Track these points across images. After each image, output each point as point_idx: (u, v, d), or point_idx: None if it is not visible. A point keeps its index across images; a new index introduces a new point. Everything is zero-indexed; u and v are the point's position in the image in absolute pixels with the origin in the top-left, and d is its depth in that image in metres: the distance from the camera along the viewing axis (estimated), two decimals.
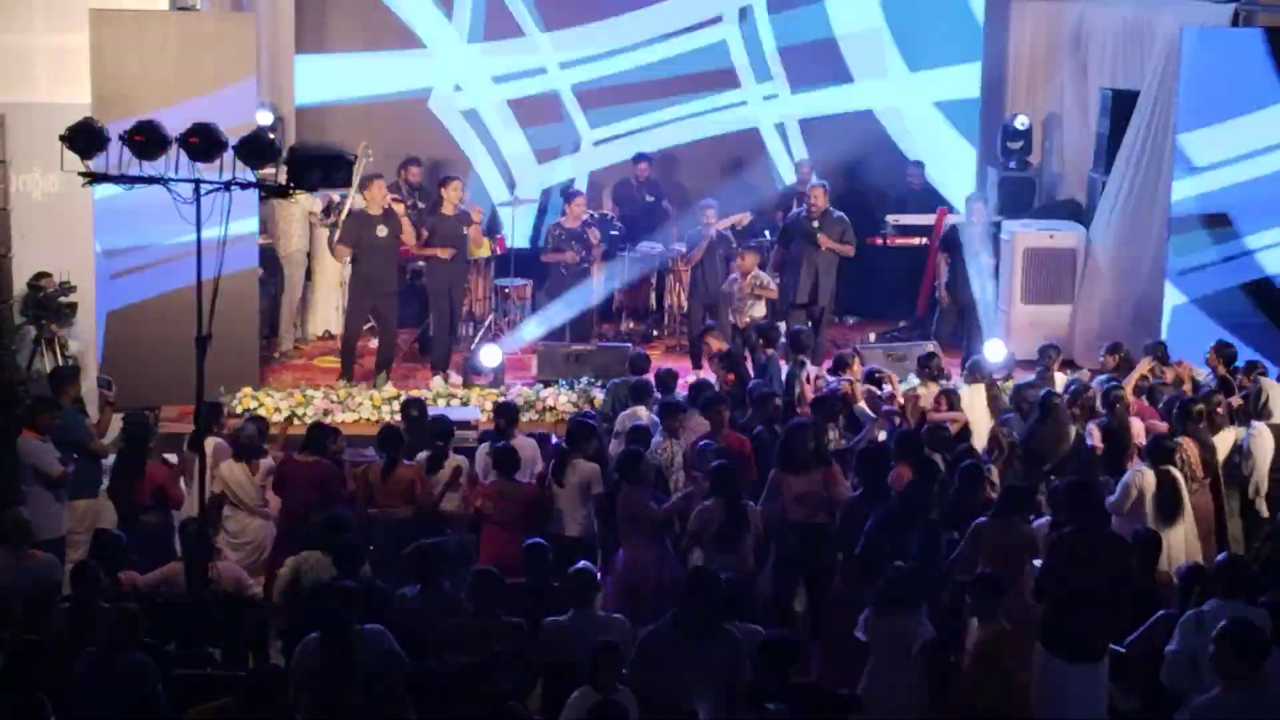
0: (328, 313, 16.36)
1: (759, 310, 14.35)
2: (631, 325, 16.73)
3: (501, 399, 12.88)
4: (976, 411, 12.11)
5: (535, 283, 16.31)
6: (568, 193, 15.52)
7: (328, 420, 13.11)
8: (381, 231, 14.30)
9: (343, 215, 14.76)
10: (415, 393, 13.58)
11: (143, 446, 10.77)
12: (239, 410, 13.19)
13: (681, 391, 12.36)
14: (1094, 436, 11.34)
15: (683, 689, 7.76)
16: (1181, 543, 10.15)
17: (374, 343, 15.03)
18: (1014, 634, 8.51)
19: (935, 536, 9.62)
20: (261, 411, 13.14)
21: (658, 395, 11.92)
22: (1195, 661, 7.84)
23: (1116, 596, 8.54)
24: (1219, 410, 11.40)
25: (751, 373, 13.00)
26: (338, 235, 14.78)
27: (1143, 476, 10.31)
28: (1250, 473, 11.26)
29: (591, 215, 16.58)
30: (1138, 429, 11.33)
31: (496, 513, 10.44)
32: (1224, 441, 11.24)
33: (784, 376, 12.72)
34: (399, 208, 14.68)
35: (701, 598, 7.99)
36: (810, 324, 15.04)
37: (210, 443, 10.87)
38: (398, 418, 13.11)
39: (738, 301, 14.42)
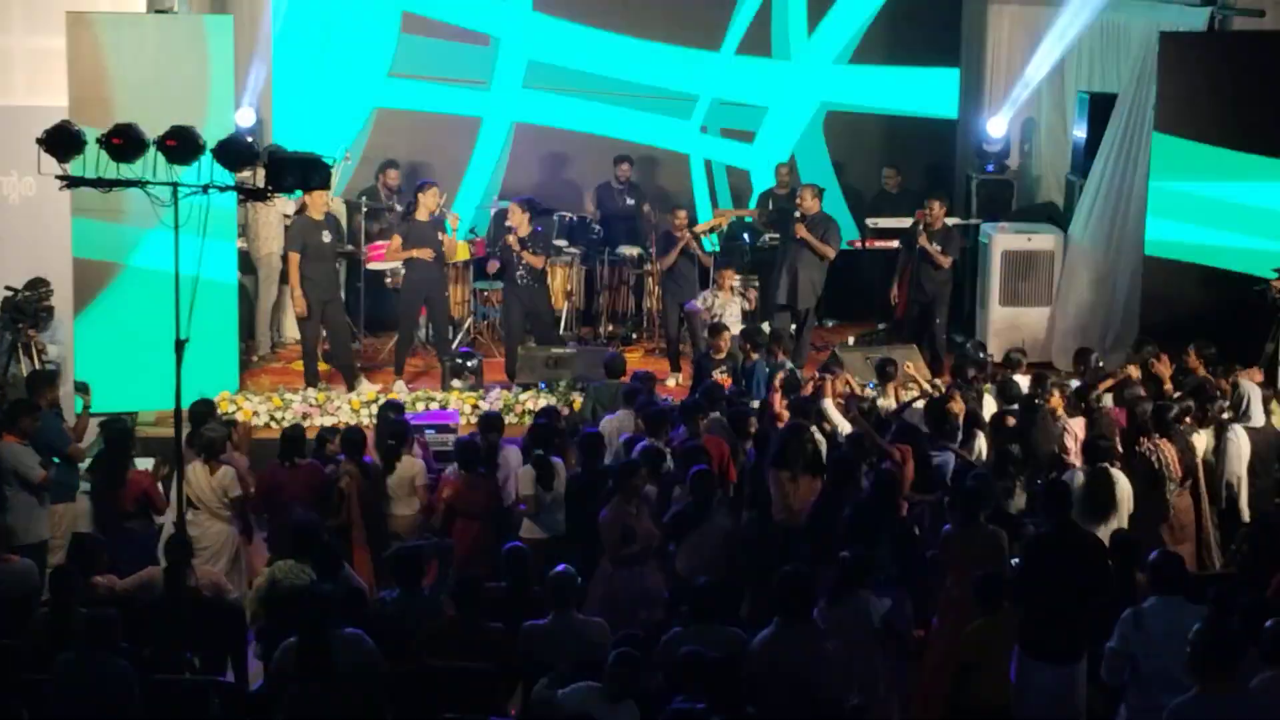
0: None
1: (736, 320, 14.33)
2: (611, 328, 16.73)
3: (486, 410, 12.78)
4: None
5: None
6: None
7: (306, 424, 13.13)
8: (326, 237, 14.28)
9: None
10: (393, 397, 13.62)
11: (124, 452, 10.73)
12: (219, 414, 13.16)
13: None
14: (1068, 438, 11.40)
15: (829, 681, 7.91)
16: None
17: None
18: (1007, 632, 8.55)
19: (905, 532, 9.71)
20: (239, 415, 13.12)
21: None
22: (1134, 659, 7.89)
23: (1093, 598, 8.55)
24: (1205, 411, 11.48)
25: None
26: (285, 241, 14.80)
27: (1075, 476, 10.38)
28: (1226, 476, 11.31)
29: (563, 218, 16.61)
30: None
31: (461, 504, 10.45)
32: (1200, 443, 11.28)
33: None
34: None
35: (798, 598, 8.08)
36: (794, 326, 15.08)
37: None
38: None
39: (715, 314, 14.39)
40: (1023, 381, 12.38)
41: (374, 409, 13.53)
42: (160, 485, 10.90)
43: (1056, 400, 11.72)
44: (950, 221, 15.68)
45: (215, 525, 10.67)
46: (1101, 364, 13.01)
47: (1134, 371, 12.34)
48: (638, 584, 9.86)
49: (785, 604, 8.12)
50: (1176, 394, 11.86)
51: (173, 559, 9.16)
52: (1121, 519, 10.36)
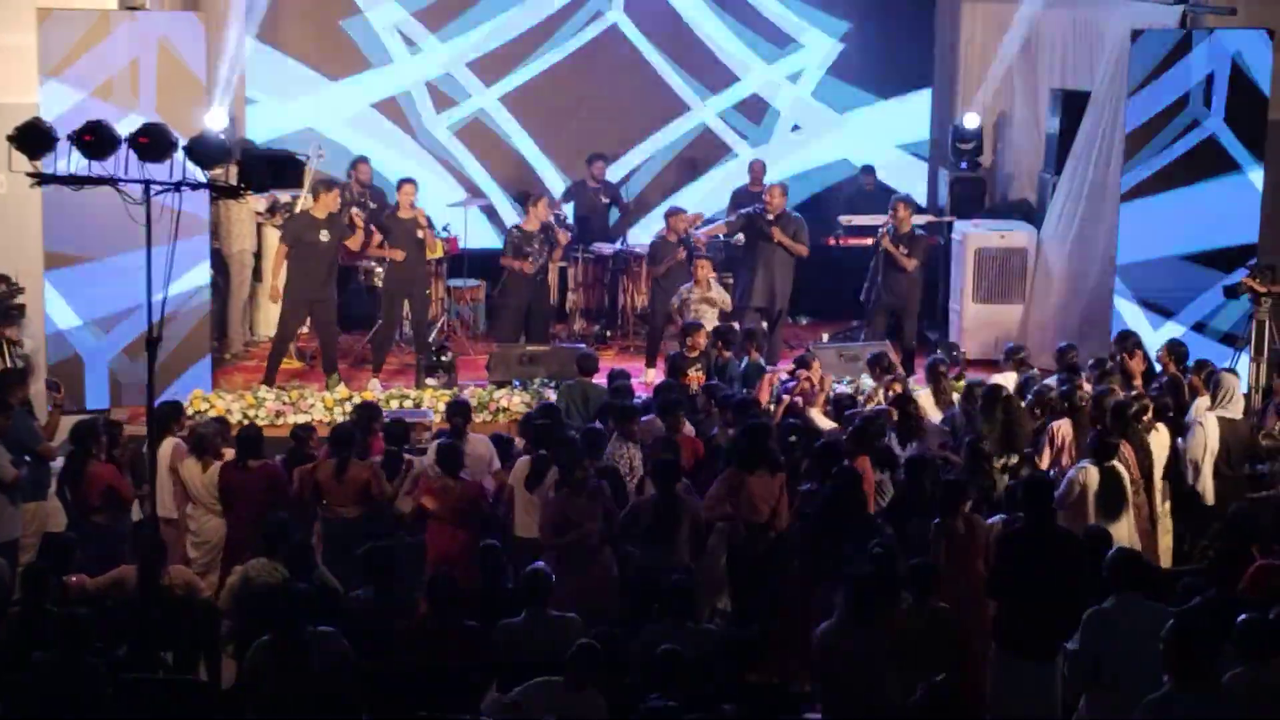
0: (277, 313, 16.23)
1: (711, 316, 14.30)
2: (584, 326, 16.71)
3: (455, 398, 12.81)
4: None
5: (489, 283, 16.31)
6: (529, 195, 15.52)
7: (280, 422, 13.12)
8: (324, 236, 14.21)
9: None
10: (368, 396, 13.59)
11: (88, 447, 10.70)
12: (190, 413, 13.13)
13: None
14: (1053, 435, 11.38)
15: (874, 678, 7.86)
16: (1125, 539, 10.17)
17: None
18: (948, 615, 8.56)
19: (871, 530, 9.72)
20: (213, 414, 13.07)
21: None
22: (1098, 659, 7.91)
23: (1070, 594, 8.56)
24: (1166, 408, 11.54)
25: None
26: (280, 234, 14.77)
27: (1086, 473, 10.40)
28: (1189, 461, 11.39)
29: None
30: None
31: (440, 509, 10.42)
32: (1161, 442, 11.32)
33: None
34: (358, 218, 14.59)
35: (871, 589, 8.07)
36: (766, 324, 15.06)
37: (169, 443, 10.87)
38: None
39: (691, 310, 14.35)
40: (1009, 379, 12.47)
41: (347, 407, 13.53)
42: (128, 477, 10.90)
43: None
44: (920, 220, 15.70)
45: (212, 520, 10.72)
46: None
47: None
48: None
49: (857, 603, 8.14)
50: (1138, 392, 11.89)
51: (146, 557, 9.12)
52: (1129, 515, 10.45)
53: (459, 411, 11.43)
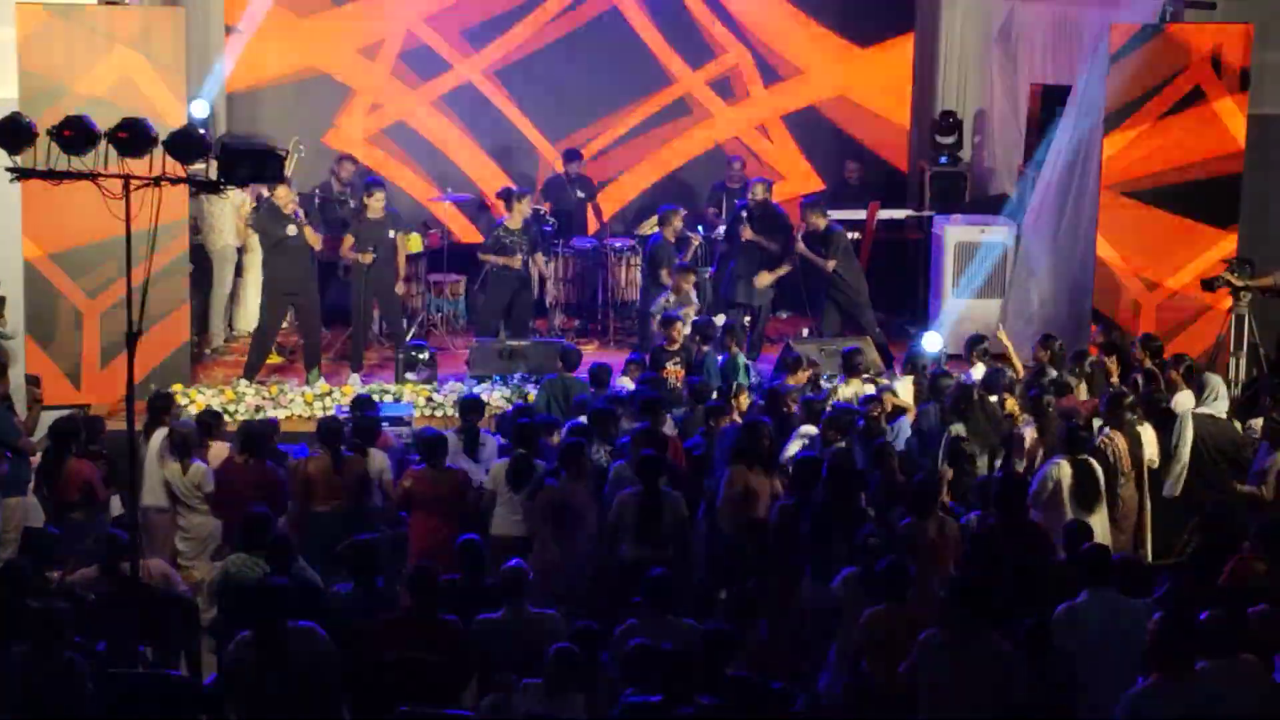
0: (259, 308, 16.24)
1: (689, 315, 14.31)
2: (564, 321, 16.69)
3: (465, 394, 12.82)
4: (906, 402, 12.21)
5: (469, 277, 16.30)
6: (512, 193, 15.51)
7: (259, 417, 13.10)
8: (291, 230, 14.22)
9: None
10: (348, 391, 13.59)
11: (67, 444, 10.69)
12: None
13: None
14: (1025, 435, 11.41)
15: (957, 701, 7.64)
16: (1102, 532, 10.18)
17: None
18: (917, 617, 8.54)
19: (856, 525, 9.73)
20: (192, 408, 13.05)
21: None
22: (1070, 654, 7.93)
23: (1038, 590, 8.56)
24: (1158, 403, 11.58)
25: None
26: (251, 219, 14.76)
27: (1059, 468, 10.38)
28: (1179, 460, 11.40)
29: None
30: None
31: (423, 498, 10.44)
32: (1150, 437, 11.35)
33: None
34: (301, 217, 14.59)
35: (971, 603, 7.82)
36: (748, 319, 15.07)
37: (158, 434, 10.86)
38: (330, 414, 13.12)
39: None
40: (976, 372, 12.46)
41: (327, 402, 13.53)
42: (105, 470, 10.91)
43: (1011, 403, 11.75)
44: (900, 214, 15.69)
45: (196, 517, 10.77)
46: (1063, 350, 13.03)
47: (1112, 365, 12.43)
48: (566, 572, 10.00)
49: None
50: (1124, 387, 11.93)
51: (110, 554, 9.10)
52: (1104, 508, 10.44)
53: (473, 409, 11.46)
